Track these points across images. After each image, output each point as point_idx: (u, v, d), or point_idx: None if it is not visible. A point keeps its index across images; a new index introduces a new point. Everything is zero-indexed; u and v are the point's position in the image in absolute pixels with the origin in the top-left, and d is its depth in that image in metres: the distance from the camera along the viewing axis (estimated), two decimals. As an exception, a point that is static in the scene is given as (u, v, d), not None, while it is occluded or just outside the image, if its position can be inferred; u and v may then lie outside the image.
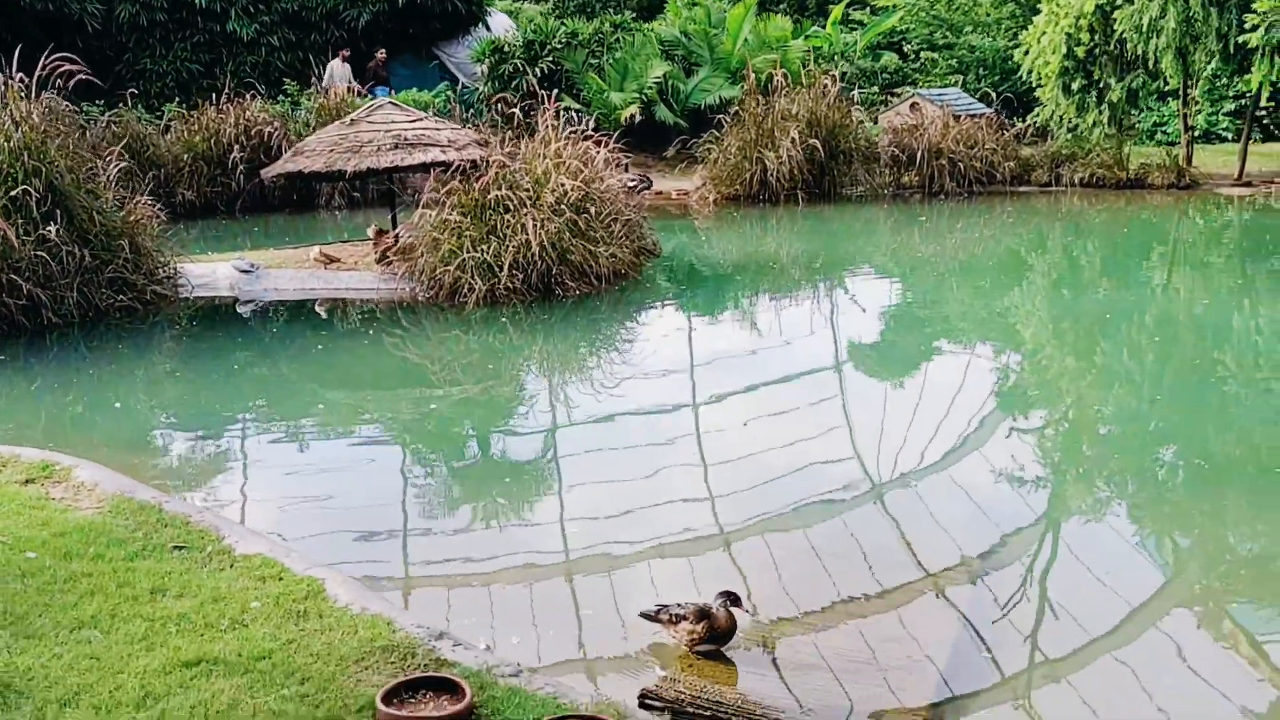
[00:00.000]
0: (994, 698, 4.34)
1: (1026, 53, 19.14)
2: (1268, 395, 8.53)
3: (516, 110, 13.10)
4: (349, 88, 20.04)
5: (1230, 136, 21.69)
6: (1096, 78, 18.04)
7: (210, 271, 12.26)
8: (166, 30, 21.70)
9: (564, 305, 11.23)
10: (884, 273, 14.29)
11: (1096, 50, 17.94)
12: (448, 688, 3.80)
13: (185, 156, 17.67)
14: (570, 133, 12.69)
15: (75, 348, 10.06)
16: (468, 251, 11.21)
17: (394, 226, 13.35)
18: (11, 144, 10.24)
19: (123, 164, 11.49)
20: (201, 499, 6.41)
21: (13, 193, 9.90)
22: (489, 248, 11.23)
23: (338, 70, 21.32)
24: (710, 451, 7.36)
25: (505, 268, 11.08)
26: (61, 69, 10.89)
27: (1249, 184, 17.91)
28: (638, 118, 20.85)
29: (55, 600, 4.38)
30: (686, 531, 5.95)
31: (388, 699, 3.69)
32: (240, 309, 11.98)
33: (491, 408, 8.86)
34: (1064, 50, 17.95)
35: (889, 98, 22.72)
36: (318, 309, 11.94)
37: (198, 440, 7.85)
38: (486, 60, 21.76)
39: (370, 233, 13.60)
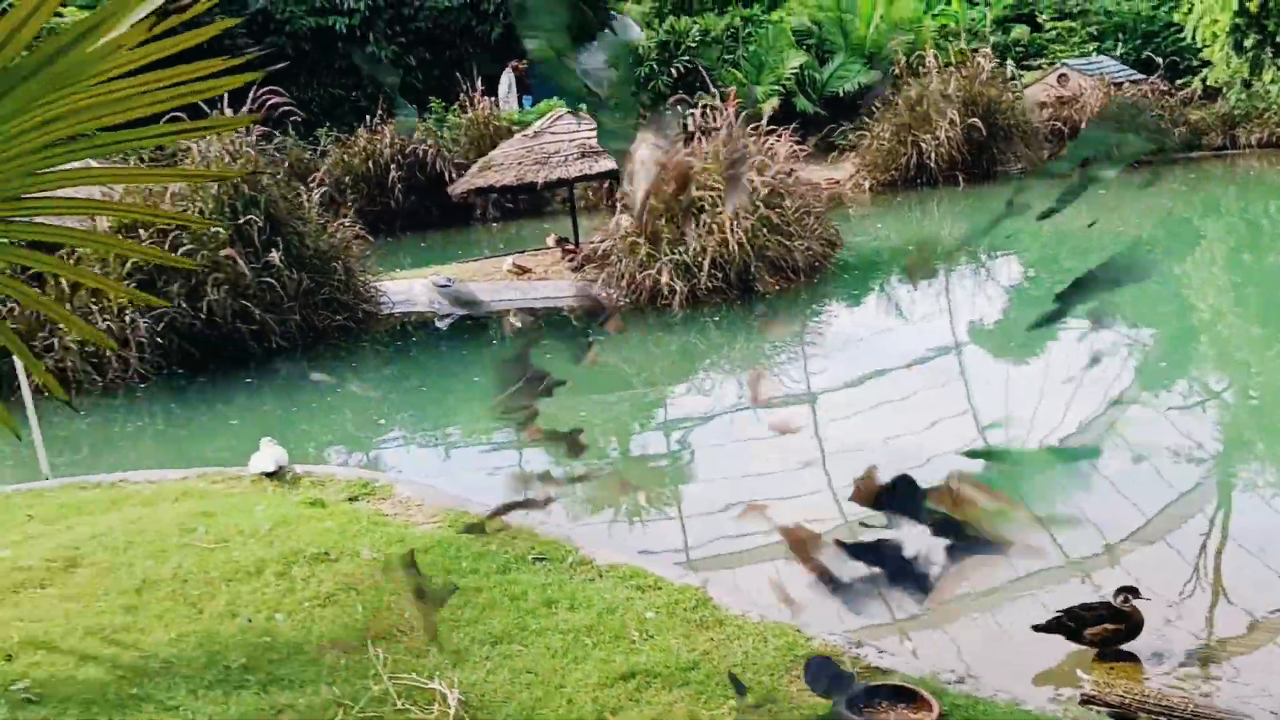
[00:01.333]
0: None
1: (1189, 12, 18.38)
2: None
3: (696, 112, 12.98)
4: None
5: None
6: (1271, 31, 17.21)
7: (407, 288, 12.45)
8: (314, 61, 22.26)
9: (764, 301, 11.12)
10: (1068, 251, 13.83)
11: (1270, 3, 17.12)
12: (904, 696, 3.70)
13: (345, 179, 18.05)
14: (753, 128, 12.59)
15: (300, 369, 10.30)
16: (665, 254, 11.19)
17: (576, 235, 13.40)
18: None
19: (323, 189, 11.73)
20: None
21: (239, 222, 10.15)
22: (686, 249, 11.18)
23: (515, 82, 21.68)
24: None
25: (705, 268, 11.01)
26: (270, 101, 11.19)
27: None
28: (774, 109, 20.64)
29: (459, 615, 4.39)
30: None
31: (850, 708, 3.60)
32: (439, 323, 12.14)
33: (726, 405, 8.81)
34: (1235, 7, 17.18)
35: (1022, 71, 22.06)
36: (512, 319, 12.03)
37: (478, 454, 7.97)
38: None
39: (550, 242, 13.68)
